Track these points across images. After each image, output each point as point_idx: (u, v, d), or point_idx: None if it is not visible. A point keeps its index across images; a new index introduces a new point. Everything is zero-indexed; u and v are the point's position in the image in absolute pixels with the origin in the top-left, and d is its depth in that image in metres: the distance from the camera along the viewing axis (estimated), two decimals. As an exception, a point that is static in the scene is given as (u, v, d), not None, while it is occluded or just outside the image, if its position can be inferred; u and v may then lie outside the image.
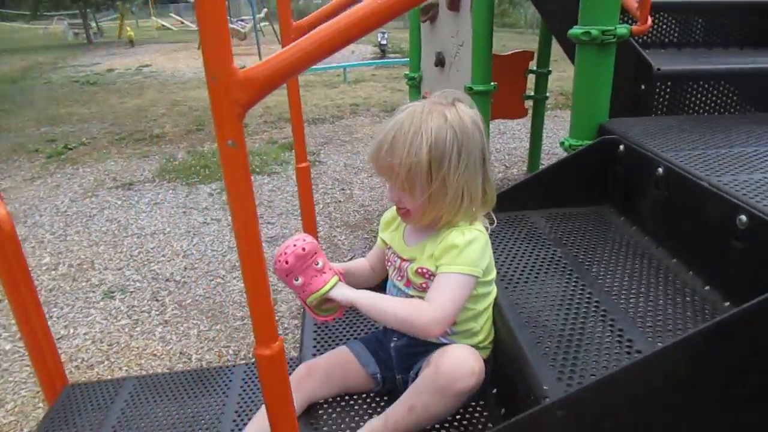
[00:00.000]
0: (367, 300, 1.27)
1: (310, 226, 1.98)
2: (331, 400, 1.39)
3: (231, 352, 2.84)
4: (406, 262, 1.33)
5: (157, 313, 3.20)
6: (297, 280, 1.24)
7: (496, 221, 1.35)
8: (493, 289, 1.35)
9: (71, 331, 3.01)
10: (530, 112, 4.33)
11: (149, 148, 6.28)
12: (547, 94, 4.30)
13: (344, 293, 1.27)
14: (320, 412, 1.35)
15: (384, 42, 13.02)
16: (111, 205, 4.73)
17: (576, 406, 0.98)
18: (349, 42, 0.71)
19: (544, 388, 1.05)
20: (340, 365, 1.40)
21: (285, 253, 1.24)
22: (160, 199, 4.81)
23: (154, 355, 2.84)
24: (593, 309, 1.28)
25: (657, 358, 0.97)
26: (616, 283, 1.38)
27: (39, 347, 1.75)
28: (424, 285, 1.29)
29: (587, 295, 1.33)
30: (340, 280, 1.29)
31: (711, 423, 1.06)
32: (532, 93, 4.22)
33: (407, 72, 4.15)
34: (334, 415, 1.34)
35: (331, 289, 1.25)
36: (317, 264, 1.25)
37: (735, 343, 0.98)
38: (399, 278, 1.36)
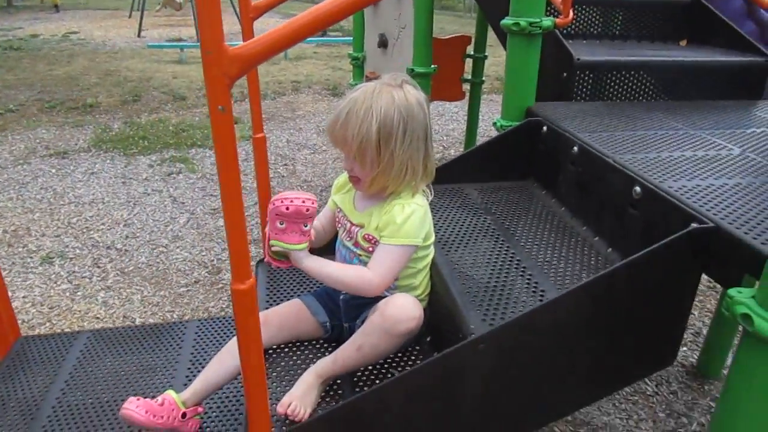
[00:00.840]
0: (320, 271, 1.41)
1: (264, 193, 2.11)
2: (284, 345, 1.54)
3: (176, 317, 2.92)
4: (355, 227, 1.49)
5: (98, 279, 3.23)
6: (281, 224, 1.36)
7: (433, 194, 1.53)
8: (432, 251, 1.53)
9: (9, 294, 3.01)
10: (467, 95, 4.54)
11: (82, 118, 6.12)
12: (483, 78, 4.52)
13: (302, 260, 1.40)
14: (274, 355, 1.50)
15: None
16: (45, 173, 4.63)
17: (494, 340, 1.18)
18: (326, 27, 0.86)
19: (471, 326, 1.24)
20: (292, 315, 1.55)
21: (291, 201, 1.33)
22: (97, 169, 4.75)
23: (97, 318, 2.89)
24: (515, 266, 1.49)
25: (559, 301, 1.18)
26: (536, 246, 1.59)
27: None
28: (370, 249, 1.46)
29: (510, 255, 1.54)
30: (308, 246, 1.42)
31: (605, 354, 1.29)
32: (470, 77, 4.43)
33: (350, 52, 4.27)
34: (286, 359, 1.49)
35: (298, 250, 1.39)
36: (305, 226, 1.38)
37: (621, 289, 1.20)
38: (348, 239, 1.52)
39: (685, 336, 2.83)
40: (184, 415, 1.45)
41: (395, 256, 1.41)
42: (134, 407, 1.40)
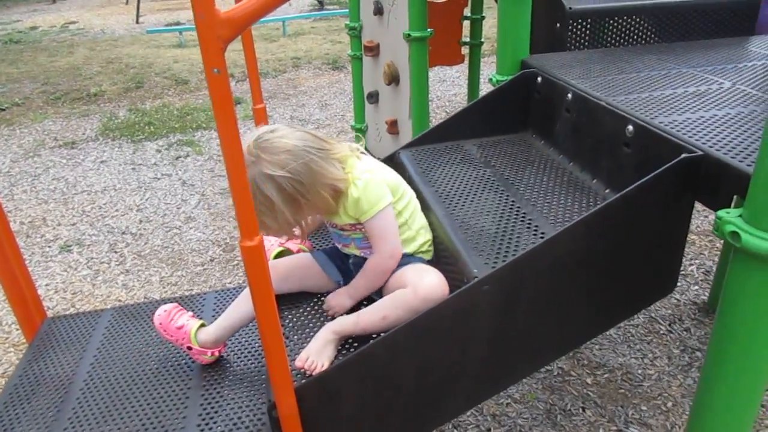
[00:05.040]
0: (362, 295, 1.53)
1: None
2: (300, 302, 1.61)
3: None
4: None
5: (116, 263, 3.31)
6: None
7: (413, 151, 1.56)
8: (408, 200, 1.57)
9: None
10: (467, 58, 4.51)
11: (88, 107, 6.18)
12: (482, 40, 4.49)
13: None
14: (289, 315, 1.57)
15: (321, -7, 12.85)
16: (56, 164, 4.71)
17: (497, 281, 1.22)
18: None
19: (474, 271, 1.29)
20: (301, 267, 1.61)
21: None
22: (106, 157, 4.82)
23: (119, 300, 2.98)
24: (515, 213, 1.52)
25: (557, 237, 1.22)
26: (535, 194, 1.62)
27: (15, 281, 1.85)
28: (353, 228, 1.54)
29: (511, 203, 1.58)
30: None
31: (607, 286, 1.34)
32: (468, 39, 4.40)
33: (347, 22, 4.26)
34: (303, 313, 1.56)
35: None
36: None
37: (618, 221, 1.24)
38: (333, 226, 1.60)
39: (695, 274, 2.87)
40: (189, 348, 1.60)
41: (382, 224, 1.48)
42: (158, 314, 1.62)
